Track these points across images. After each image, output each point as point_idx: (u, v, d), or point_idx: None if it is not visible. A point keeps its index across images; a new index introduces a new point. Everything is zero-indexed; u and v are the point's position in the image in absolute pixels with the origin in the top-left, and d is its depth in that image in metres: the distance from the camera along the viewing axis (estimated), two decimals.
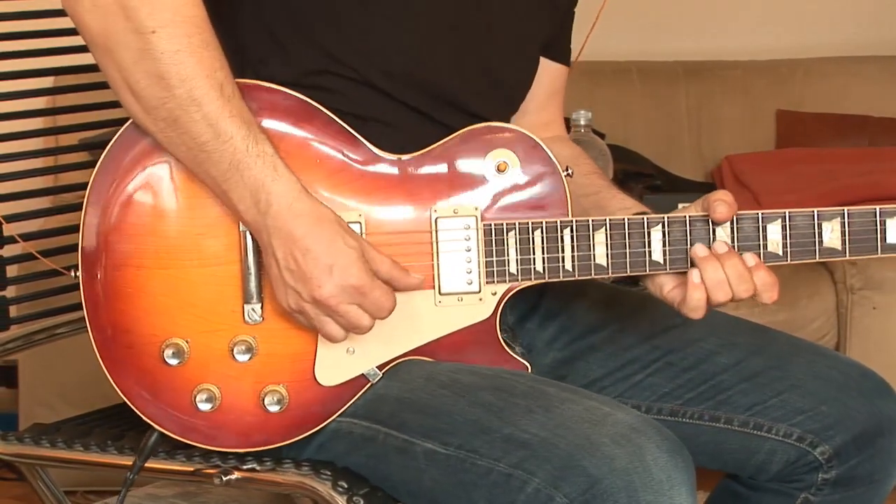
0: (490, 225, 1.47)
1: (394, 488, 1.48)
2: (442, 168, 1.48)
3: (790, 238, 1.46)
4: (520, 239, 1.47)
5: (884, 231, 1.46)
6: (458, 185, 1.47)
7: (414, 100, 1.53)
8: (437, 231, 1.47)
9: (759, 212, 1.46)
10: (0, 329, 1.74)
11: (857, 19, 3.94)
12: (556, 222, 1.47)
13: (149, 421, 1.47)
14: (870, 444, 1.55)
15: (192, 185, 1.44)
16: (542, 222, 1.47)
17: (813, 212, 1.46)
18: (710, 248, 1.45)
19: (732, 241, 1.46)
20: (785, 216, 1.46)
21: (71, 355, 2.49)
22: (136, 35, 1.37)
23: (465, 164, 1.48)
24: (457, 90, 1.55)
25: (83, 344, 1.48)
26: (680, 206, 1.52)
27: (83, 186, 1.46)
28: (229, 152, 1.39)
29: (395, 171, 1.47)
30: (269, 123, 1.44)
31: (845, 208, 1.46)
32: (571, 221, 1.47)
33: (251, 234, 1.43)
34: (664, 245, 1.47)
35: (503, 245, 1.47)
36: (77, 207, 1.47)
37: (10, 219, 1.74)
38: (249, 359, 1.45)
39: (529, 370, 1.50)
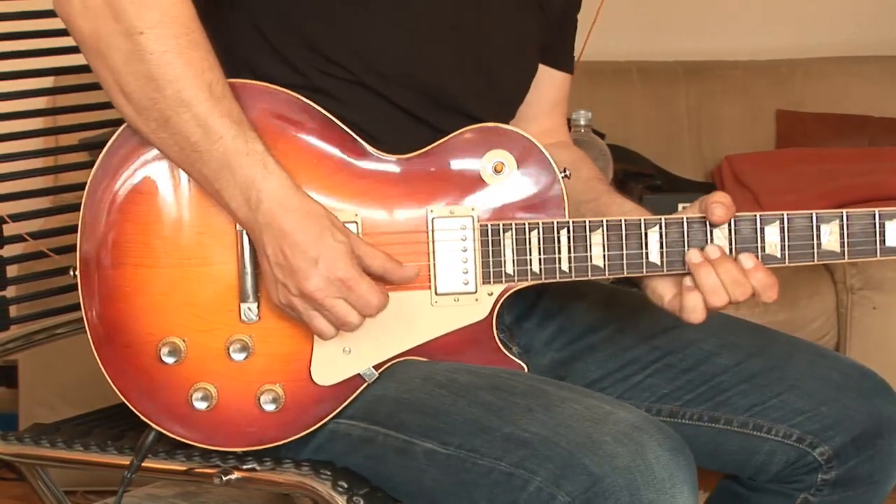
0: (487, 225, 1.47)
1: (394, 489, 1.48)
2: (439, 168, 1.48)
3: (789, 240, 1.46)
4: (516, 239, 1.47)
5: (883, 234, 1.46)
6: (455, 185, 1.48)
7: (411, 101, 1.53)
8: (433, 231, 1.47)
9: (758, 214, 1.46)
10: (0, 329, 1.74)
11: (857, 19, 3.94)
12: (553, 223, 1.47)
13: (146, 420, 1.47)
14: (869, 445, 1.55)
15: (189, 184, 1.45)
16: (538, 223, 1.47)
17: (811, 214, 1.46)
18: (703, 251, 1.45)
19: (730, 244, 1.46)
20: (783, 218, 1.46)
21: (71, 355, 2.49)
22: (125, 37, 1.38)
23: (462, 165, 1.48)
24: (456, 91, 1.55)
25: (83, 344, 1.48)
26: (680, 206, 1.51)
27: (83, 186, 1.46)
28: (220, 151, 1.39)
29: (391, 170, 1.47)
30: (265, 123, 1.44)
31: (844, 210, 1.46)
32: (568, 222, 1.47)
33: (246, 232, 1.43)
34: (661, 247, 1.47)
35: (500, 246, 1.47)
36: (77, 207, 1.47)
37: (10, 218, 1.74)
38: (245, 358, 1.45)
39: (526, 370, 1.50)
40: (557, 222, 1.47)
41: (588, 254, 1.47)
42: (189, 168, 1.42)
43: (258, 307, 1.45)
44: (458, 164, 1.48)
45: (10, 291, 1.76)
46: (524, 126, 1.65)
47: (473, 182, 1.48)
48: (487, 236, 1.47)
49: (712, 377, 1.58)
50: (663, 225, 1.46)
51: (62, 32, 1.51)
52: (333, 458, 1.50)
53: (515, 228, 1.47)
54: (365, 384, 1.47)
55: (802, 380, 1.56)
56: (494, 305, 1.48)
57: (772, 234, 1.46)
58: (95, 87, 1.75)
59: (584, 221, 1.46)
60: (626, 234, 1.46)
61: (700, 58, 3.85)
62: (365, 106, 1.51)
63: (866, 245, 1.46)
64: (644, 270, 1.47)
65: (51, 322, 1.82)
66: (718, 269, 1.44)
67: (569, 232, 1.47)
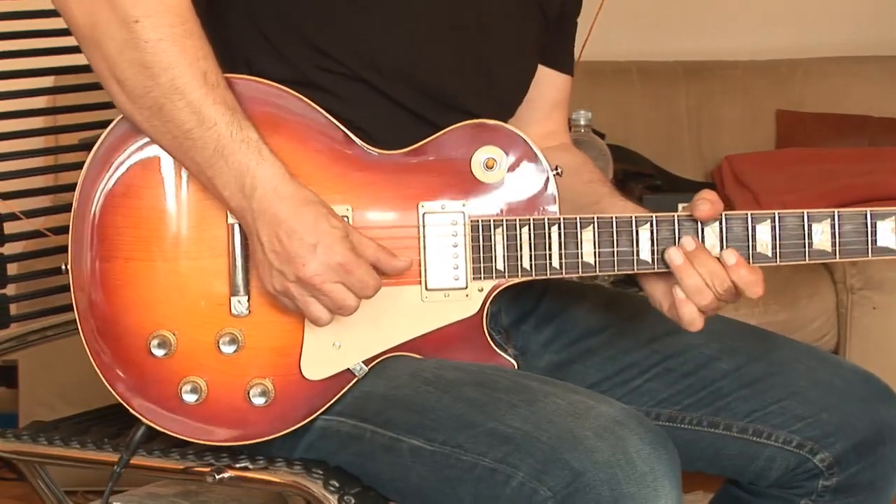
0: (477, 221, 1.47)
1: (383, 486, 1.48)
2: (430, 163, 1.48)
3: (780, 239, 1.46)
4: (507, 235, 1.47)
5: (874, 234, 1.45)
6: (446, 181, 1.48)
7: (411, 99, 1.53)
8: (424, 226, 1.47)
9: (749, 212, 1.46)
10: (0, 327, 1.74)
11: (857, 19, 3.95)
12: (544, 219, 1.47)
13: (135, 413, 1.47)
14: (871, 452, 1.54)
15: (181, 178, 1.45)
16: (529, 219, 1.47)
17: (803, 213, 1.46)
18: (681, 246, 1.44)
19: (721, 242, 1.46)
20: (774, 217, 1.46)
21: (71, 355, 2.48)
22: (120, 25, 1.38)
23: (454, 161, 1.48)
24: (455, 91, 1.56)
25: (83, 343, 1.48)
26: (680, 206, 1.51)
27: None
28: (213, 139, 1.39)
29: (383, 165, 1.48)
30: (259, 118, 1.44)
31: (835, 210, 1.46)
32: (559, 219, 1.47)
33: (238, 223, 1.43)
34: (652, 244, 1.46)
35: (490, 242, 1.47)
36: None
37: (9, 218, 1.74)
38: (235, 351, 1.45)
39: (516, 367, 1.50)
40: (548, 219, 1.47)
41: (579, 251, 1.47)
42: (182, 156, 1.42)
43: (248, 301, 1.45)
44: (449, 160, 1.48)
45: (11, 290, 1.76)
46: (523, 127, 1.65)
47: (465, 178, 1.48)
48: (478, 232, 1.47)
49: (712, 382, 1.58)
50: (654, 223, 1.46)
51: (62, 32, 1.51)
52: (325, 455, 1.50)
53: (506, 224, 1.47)
54: (355, 379, 1.47)
55: (803, 385, 1.56)
56: (485, 301, 1.48)
57: (763, 233, 1.46)
58: (95, 87, 1.76)
59: (575, 218, 1.47)
60: (617, 232, 1.46)
61: (700, 58, 3.85)
62: (364, 103, 1.51)
63: (857, 245, 1.46)
64: (635, 268, 1.47)
65: (51, 321, 1.83)
66: (695, 263, 1.43)
67: (560, 228, 1.47)
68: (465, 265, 1.47)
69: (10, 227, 1.75)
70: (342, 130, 1.47)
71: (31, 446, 1.64)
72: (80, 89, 1.87)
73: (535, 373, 1.59)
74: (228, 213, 1.44)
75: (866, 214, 1.45)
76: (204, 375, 1.46)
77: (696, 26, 3.95)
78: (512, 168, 1.48)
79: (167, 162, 1.45)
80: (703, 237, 1.45)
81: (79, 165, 1.48)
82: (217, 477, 1.48)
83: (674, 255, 1.44)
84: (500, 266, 1.47)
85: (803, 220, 1.46)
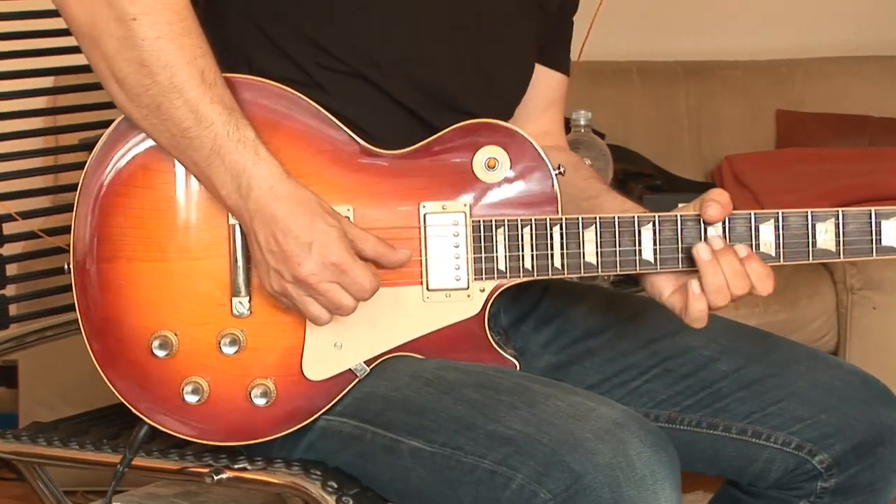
0: (479, 221, 1.47)
1: (382, 487, 1.48)
2: (432, 163, 1.48)
3: (783, 238, 1.45)
4: (509, 236, 1.46)
5: (879, 233, 1.45)
6: (448, 180, 1.47)
7: (410, 98, 1.53)
8: (425, 226, 1.47)
9: (752, 212, 1.45)
10: (0, 328, 1.74)
11: (857, 19, 3.95)
12: (546, 219, 1.46)
13: (138, 413, 1.47)
14: (870, 454, 1.54)
15: (183, 178, 1.45)
16: (531, 219, 1.46)
17: (807, 212, 1.45)
18: (709, 243, 1.44)
19: (724, 242, 1.45)
20: (778, 216, 1.45)
21: (71, 355, 2.48)
22: (118, 23, 1.38)
23: (455, 160, 1.48)
24: (455, 91, 1.56)
25: (83, 344, 1.48)
26: (680, 206, 1.51)
27: None
28: (210, 138, 1.39)
29: (384, 165, 1.47)
30: (259, 117, 1.44)
31: (840, 209, 1.45)
32: (561, 219, 1.46)
33: (239, 223, 1.43)
34: (655, 244, 1.46)
35: (492, 242, 1.47)
36: None
37: (9, 218, 1.74)
38: (236, 352, 1.45)
39: (518, 367, 1.50)
40: (550, 219, 1.46)
41: (581, 251, 1.46)
42: (180, 155, 1.42)
43: (250, 301, 1.45)
44: (451, 160, 1.48)
45: (11, 290, 1.76)
46: (519, 126, 1.65)
47: (466, 178, 1.48)
48: (480, 232, 1.47)
49: (711, 383, 1.58)
50: (657, 222, 1.46)
51: (62, 32, 1.51)
52: (325, 456, 1.50)
53: (508, 225, 1.47)
54: (356, 380, 1.47)
55: (802, 387, 1.55)
56: (486, 302, 1.47)
57: (766, 233, 1.45)
58: (95, 87, 1.76)
59: (577, 218, 1.46)
60: (619, 232, 1.46)
61: (700, 58, 3.85)
62: (363, 102, 1.51)
63: (862, 244, 1.45)
64: (637, 268, 1.47)
65: (51, 321, 1.83)
66: (722, 261, 1.42)
67: (562, 229, 1.46)
68: (466, 265, 1.47)
69: (9, 228, 1.75)
70: (344, 130, 1.47)
71: (31, 447, 1.64)
72: (80, 89, 1.87)
73: (535, 373, 1.59)
74: (229, 213, 1.44)
75: (871, 213, 1.45)
76: (206, 376, 1.46)
77: (696, 26, 3.95)
78: (514, 168, 1.48)
79: (169, 162, 1.45)
80: (706, 237, 1.45)
81: (79, 166, 1.48)
82: (216, 478, 1.49)
83: (702, 252, 1.43)
84: (501, 266, 1.47)
85: (807, 220, 1.45)
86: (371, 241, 1.42)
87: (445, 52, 1.55)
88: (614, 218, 1.46)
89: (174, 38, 1.39)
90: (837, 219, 1.45)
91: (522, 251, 1.47)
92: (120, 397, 1.47)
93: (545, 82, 1.71)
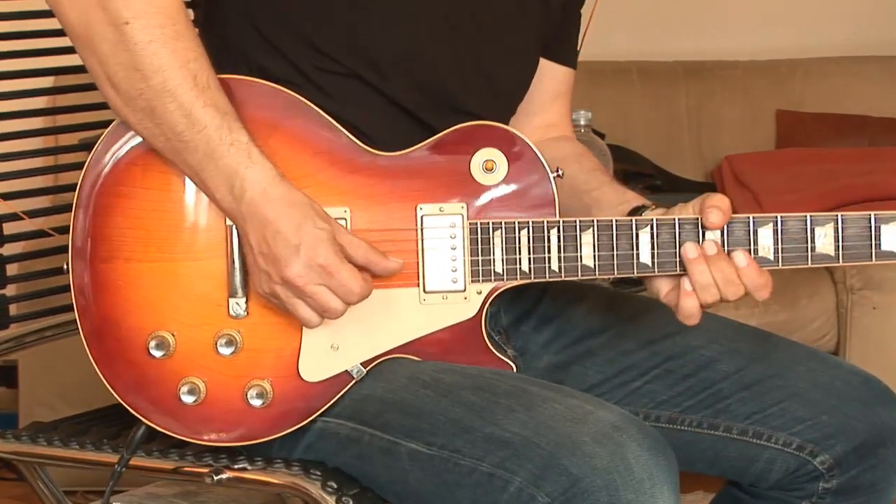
0: (476, 224, 1.47)
1: (381, 488, 1.48)
2: (429, 165, 1.48)
3: (782, 243, 1.45)
4: (506, 238, 1.46)
5: (878, 237, 1.44)
6: (445, 182, 1.48)
7: (409, 99, 1.53)
8: (422, 229, 1.47)
9: (751, 216, 1.45)
10: (0, 327, 1.74)
11: (857, 19, 3.94)
12: (543, 222, 1.46)
13: (135, 413, 1.48)
14: (871, 454, 1.54)
15: (180, 178, 1.45)
16: (528, 222, 1.46)
17: (806, 216, 1.44)
18: (700, 246, 1.44)
19: (723, 246, 1.45)
20: (777, 220, 1.45)
21: (71, 355, 2.48)
22: (112, 27, 1.39)
23: (453, 162, 1.48)
24: (455, 90, 1.55)
25: (83, 344, 1.48)
26: (679, 205, 1.51)
27: None
28: (203, 141, 1.40)
29: (382, 167, 1.48)
30: (257, 118, 1.44)
31: (839, 214, 1.44)
32: (558, 222, 1.46)
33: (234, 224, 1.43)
34: (653, 247, 1.46)
35: (489, 244, 1.47)
36: None
37: (9, 218, 1.74)
38: (233, 353, 1.45)
39: (515, 370, 1.50)
40: (547, 222, 1.46)
41: (578, 254, 1.46)
42: (175, 158, 1.43)
43: (247, 302, 1.45)
44: (448, 162, 1.48)
45: (10, 290, 1.76)
46: (525, 120, 1.65)
47: (464, 180, 1.48)
48: (477, 235, 1.47)
49: (712, 384, 1.57)
50: (654, 225, 1.46)
51: (62, 32, 1.51)
52: (324, 457, 1.50)
53: (505, 227, 1.46)
54: (353, 381, 1.47)
55: (804, 388, 1.55)
56: (483, 304, 1.47)
57: (765, 237, 1.45)
58: (95, 87, 1.75)
59: (575, 221, 1.46)
60: (616, 235, 1.46)
61: (700, 58, 3.85)
62: (362, 103, 1.51)
63: (861, 249, 1.45)
64: (635, 271, 1.46)
65: (51, 321, 1.83)
66: (713, 267, 1.43)
67: (559, 231, 1.46)
68: (463, 268, 1.47)
69: (9, 228, 1.75)
70: (341, 131, 1.47)
71: (31, 447, 1.64)
72: (80, 89, 1.87)
73: (534, 373, 1.59)
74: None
75: (870, 218, 1.44)
76: (202, 376, 1.46)
77: (696, 26, 3.94)
78: (511, 170, 1.48)
79: (167, 163, 1.45)
80: (704, 240, 1.45)
81: (79, 166, 1.48)
82: (215, 478, 1.49)
83: (689, 249, 1.43)
84: (498, 269, 1.47)
85: (806, 224, 1.45)
86: (363, 247, 1.42)
87: (445, 51, 1.55)
88: (612, 221, 1.46)
89: (166, 42, 1.39)
90: (836, 223, 1.44)
91: (519, 254, 1.46)
92: (117, 397, 1.47)
93: (551, 76, 1.71)
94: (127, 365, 1.46)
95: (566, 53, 1.73)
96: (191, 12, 1.52)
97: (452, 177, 1.48)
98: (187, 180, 1.45)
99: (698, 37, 3.93)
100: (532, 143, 1.49)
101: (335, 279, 1.39)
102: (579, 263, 1.46)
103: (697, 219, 1.45)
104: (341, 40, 1.50)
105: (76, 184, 1.48)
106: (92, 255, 1.46)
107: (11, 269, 1.77)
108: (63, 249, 1.72)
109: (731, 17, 3.96)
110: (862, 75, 3.79)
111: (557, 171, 1.49)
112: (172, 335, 1.46)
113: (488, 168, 1.48)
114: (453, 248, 1.47)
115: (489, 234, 1.47)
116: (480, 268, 1.47)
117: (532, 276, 1.47)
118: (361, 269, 1.41)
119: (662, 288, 1.48)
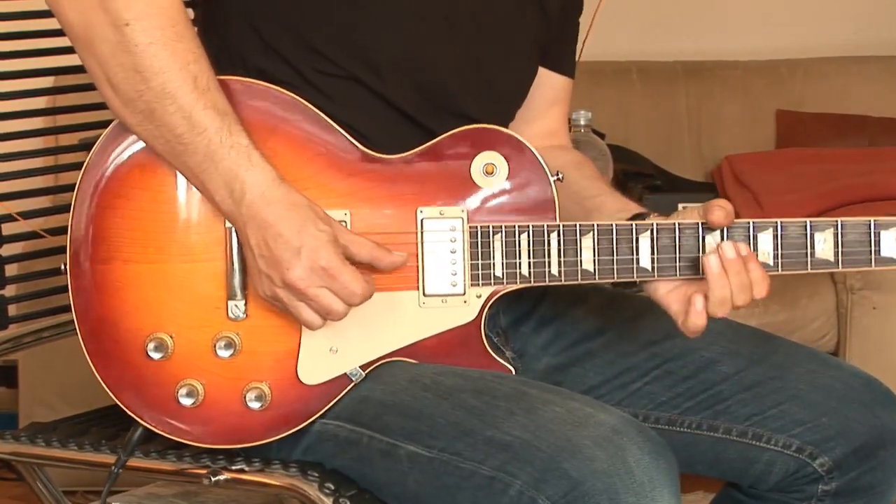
0: (476, 227, 1.47)
1: (380, 491, 1.48)
2: (429, 169, 1.48)
3: (782, 248, 1.45)
4: (506, 242, 1.46)
5: (878, 243, 1.44)
6: (445, 186, 1.47)
7: (408, 102, 1.53)
8: (422, 232, 1.47)
9: (751, 220, 1.45)
10: (0, 328, 1.74)
11: (857, 19, 3.94)
12: (543, 226, 1.46)
13: (132, 415, 1.48)
14: (871, 457, 1.54)
15: (179, 180, 1.45)
16: (528, 226, 1.46)
17: (805, 222, 1.45)
18: (720, 254, 1.42)
19: None
20: (777, 226, 1.45)
21: (71, 355, 2.48)
22: (112, 28, 1.38)
23: (453, 166, 1.48)
24: (455, 92, 1.55)
25: (80, 345, 1.48)
26: (680, 206, 1.51)
27: None
28: (203, 144, 1.40)
29: (382, 170, 1.47)
30: (256, 120, 1.44)
31: (839, 219, 1.44)
32: (558, 226, 1.46)
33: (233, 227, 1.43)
34: (652, 252, 1.46)
35: (489, 248, 1.46)
36: None
37: (8, 219, 1.74)
38: (232, 355, 1.45)
39: (514, 373, 1.50)
40: (547, 225, 1.46)
41: (578, 258, 1.46)
42: (175, 160, 1.42)
43: (245, 305, 1.45)
44: (449, 165, 1.48)
45: (10, 290, 1.76)
46: (522, 127, 1.64)
47: (464, 183, 1.48)
48: (477, 238, 1.47)
49: (712, 385, 1.57)
50: (655, 230, 1.46)
51: (62, 32, 1.51)
52: (322, 459, 1.50)
53: (505, 231, 1.46)
54: (351, 384, 1.47)
55: (803, 389, 1.55)
56: (483, 308, 1.47)
57: (765, 242, 1.45)
58: (95, 87, 1.76)
59: (575, 225, 1.46)
60: (616, 239, 1.46)
61: (700, 58, 3.85)
62: (361, 106, 1.51)
63: (861, 255, 1.45)
64: (635, 276, 1.46)
65: (51, 321, 1.83)
66: (730, 274, 1.41)
67: (559, 235, 1.46)
68: (463, 271, 1.47)
69: (8, 228, 1.75)
70: (341, 134, 1.47)
71: (30, 447, 1.64)
72: (80, 89, 1.86)
73: (533, 375, 1.59)
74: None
75: (870, 224, 1.44)
76: (201, 378, 1.46)
77: (696, 26, 3.94)
78: (512, 174, 1.48)
79: (166, 164, 1.45)
80: (703, 245, 1.45)
81: (79, 166, 1.48)
82: (213, 479, 1.49)
83: (713, 264, 1.42)
84: (498, 273, 1.47)
85: (806, 229, 1.45)
86: (367, 245, 1.41)
87: (445, 52, 1.55)
88: (612, 225, 1.46)
89: (167, 44, 1.39)
90: (836, 228, 1.44)
91: (519, 258, 1.46)
92: (114, 398, 1.47)
93: (548, 84, 1.71)
94: (124, 366, 1.46)
95: (564, 63, 1.73)
96: (190, 12, 1.52)
97: (453, 180, 1.48)
98: (186, 182, 1.45)
99: (698, 37, 3.93)
100: (533, 146, 1.48)
101: (337, 281, 1.39)
102: (579, 268, 1.46)
103: (697, 224, 1.45)
104: (340, 42, 1.50)
105: (76, 184, 1.48)
106: (90, 256, 1.46)
107: (11, 270, 1.76)
108: (63, 250, 1.72)
109: (731, 17, 3.96)
110: (862, 75, 3.79)
111: (557, 174, 1.48)
112: (171, 337, 1.46)
113: (489, 171, 1.48)
114: (453, 252, 1.47)
115: (489, 237, 1.47)
116: (480, 271, 1.47)
117: (532, 280, 1.47)
118: (365, 268, 1.41)
119: (660, 288, 1.48)
